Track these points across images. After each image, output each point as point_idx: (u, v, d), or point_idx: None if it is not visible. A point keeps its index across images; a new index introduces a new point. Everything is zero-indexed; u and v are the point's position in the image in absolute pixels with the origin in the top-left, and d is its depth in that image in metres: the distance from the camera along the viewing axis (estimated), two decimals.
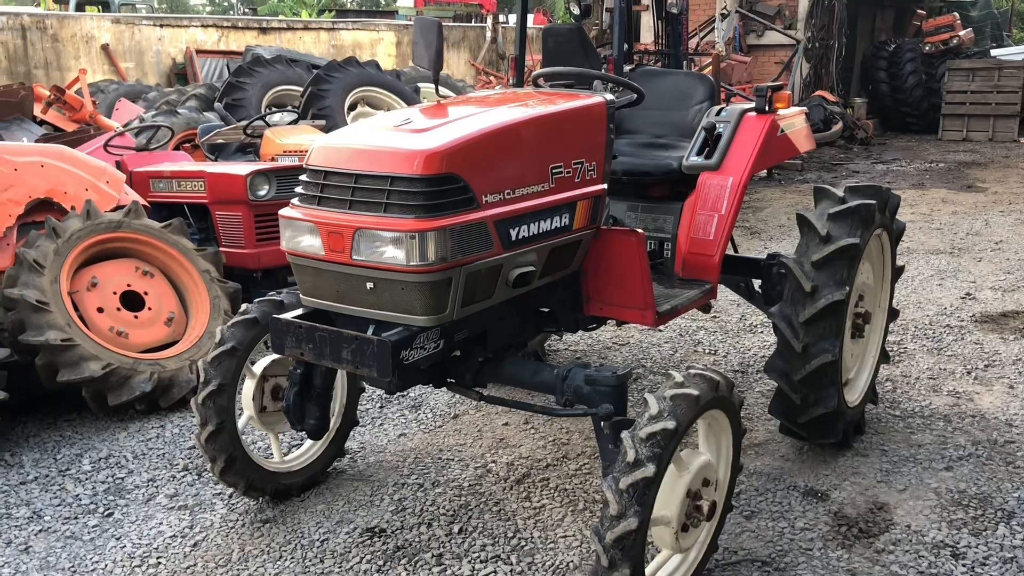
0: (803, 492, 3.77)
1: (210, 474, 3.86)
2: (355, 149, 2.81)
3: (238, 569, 3.28)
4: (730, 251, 4.50)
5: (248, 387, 3.58)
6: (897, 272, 4.47)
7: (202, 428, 3.44)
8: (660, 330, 5.86)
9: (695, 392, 2.74)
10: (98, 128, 8.58)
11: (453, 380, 3.26)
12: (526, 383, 3.18)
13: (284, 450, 3.88)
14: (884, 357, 4.51)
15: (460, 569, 3.24)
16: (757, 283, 4.49)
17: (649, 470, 2.56)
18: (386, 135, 2.87)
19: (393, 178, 2.68)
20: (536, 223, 2.98)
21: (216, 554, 3.37)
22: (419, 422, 4.54)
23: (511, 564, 3.27)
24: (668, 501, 2.75)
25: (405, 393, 4.84)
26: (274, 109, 9.29)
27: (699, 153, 3.98)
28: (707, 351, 5.55)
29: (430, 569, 3.24)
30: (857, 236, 3.75)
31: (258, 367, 3.60)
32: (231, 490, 3.72)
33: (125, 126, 7.54)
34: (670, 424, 2.62)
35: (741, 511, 3.62)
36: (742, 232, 8.95)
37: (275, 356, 3.48)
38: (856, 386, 4.27)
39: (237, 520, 3.61)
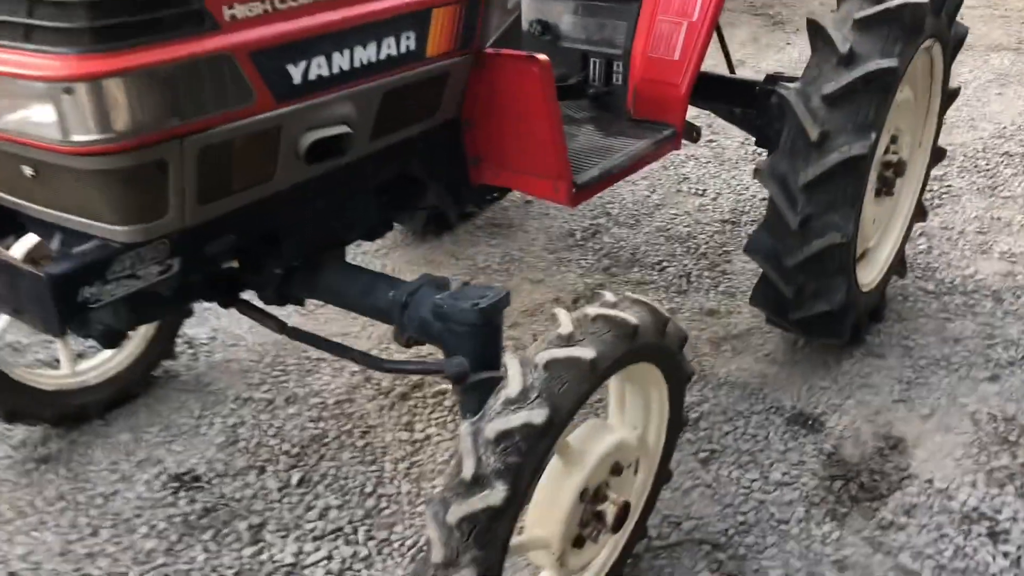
0: (788, 418, 2.74)
1: None
2: None
3: None
4: (726, 71, 3.26)
5: None
6: (950, 97, 3.19)
7: None
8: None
9: (589, 354, 1.63)
10: None
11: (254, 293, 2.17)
12: (353, 305, 2.07)
13: (91, 356, 2.87)
14: (920, 214, 3.33)
15: (281, 551, 2.29)
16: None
17: (495, 495, 1.51)
18: None
19: None
20: (345, 52, 1.77)
21: None
22: None
23: (354, 543, 2.31)
24: (546, 516, 1.73)
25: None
26: None
27: None
28: (694, 190, 4.36)
29: (239, 551, 2.29)
30: (894, 55, 2.49)
31: (18, 249, 2.51)
32: None
33: None
34: (538, 416, 1.54)
35: (698, 450, 2.61)
36: (762, 23, 7.42)
37: None
38: (876, 260, 3.12)
39: (4, 459, 2.66)
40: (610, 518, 1.81)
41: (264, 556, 2.27)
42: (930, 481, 2.47)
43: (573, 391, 1.60)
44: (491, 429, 1.53)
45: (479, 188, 2.39)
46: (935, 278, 3.48)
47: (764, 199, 4.16)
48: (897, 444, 2.62)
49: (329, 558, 2.26)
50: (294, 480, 2.51)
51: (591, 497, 1.79)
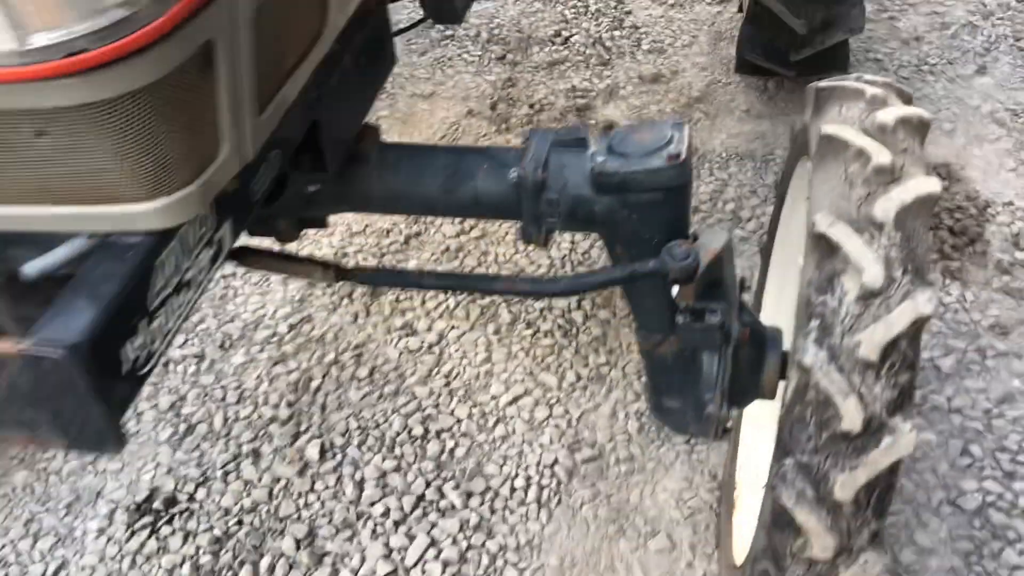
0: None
1: None
2: None
3: None
4: None
5: None
6: None
7: None
8: None
9: (933, 185, 1.07)
10: None
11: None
12: (437, 205, 1.27)
13: None
14: None
15: (362, 560, 1.63)
16: None
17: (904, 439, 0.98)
18: None
19: None
20: None
21: None
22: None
23: (451, 510, 1.69)
24: None
25: None
26: None
27: None
28: None
29: None
30: None
31: None
32: None
33: None
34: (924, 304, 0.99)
35: (758, 244, 2.17)
36: None
37: None
38: None
39: None
40: None
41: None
42: (1010, 202, 2.21)
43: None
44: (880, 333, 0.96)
45: None
46: None
47: None
48: (948, 171, 2.32)
49: (433, 543, 1.63)
50: (312, 454, 1.80)
51: None
